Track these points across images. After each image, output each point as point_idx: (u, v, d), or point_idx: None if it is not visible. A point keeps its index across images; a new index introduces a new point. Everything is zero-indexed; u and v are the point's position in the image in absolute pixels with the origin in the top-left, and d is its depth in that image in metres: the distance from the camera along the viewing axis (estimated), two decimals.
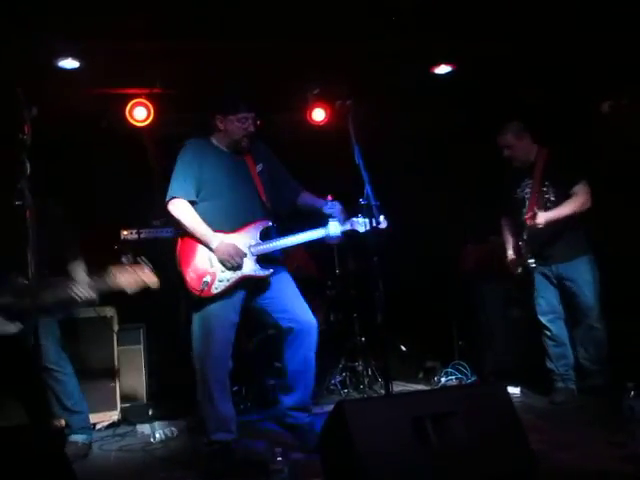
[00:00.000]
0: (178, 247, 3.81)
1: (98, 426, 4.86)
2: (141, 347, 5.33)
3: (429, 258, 6.29)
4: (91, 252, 5.60)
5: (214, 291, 3.66)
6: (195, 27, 4.74)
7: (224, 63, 5.32)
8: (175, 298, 5.76)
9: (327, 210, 3.87)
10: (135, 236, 5.92)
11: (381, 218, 3.59)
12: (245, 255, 3.72)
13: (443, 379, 5.59)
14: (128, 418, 5.01)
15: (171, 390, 5.56)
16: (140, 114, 5.75)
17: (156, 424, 4.85)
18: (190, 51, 5.06)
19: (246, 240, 3.77)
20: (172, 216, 3.78)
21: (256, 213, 3.85)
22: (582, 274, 4.56)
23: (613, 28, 4.53)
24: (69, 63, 4.80)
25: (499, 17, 4.71)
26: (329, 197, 3.93)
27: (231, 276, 3.68)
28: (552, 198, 4.33)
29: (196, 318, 3.76)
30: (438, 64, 5.47)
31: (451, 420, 2.72)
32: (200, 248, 3.73)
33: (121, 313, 5.17)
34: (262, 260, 3.79)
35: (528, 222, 4.47)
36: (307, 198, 4.08)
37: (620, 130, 3.54)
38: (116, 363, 5.02)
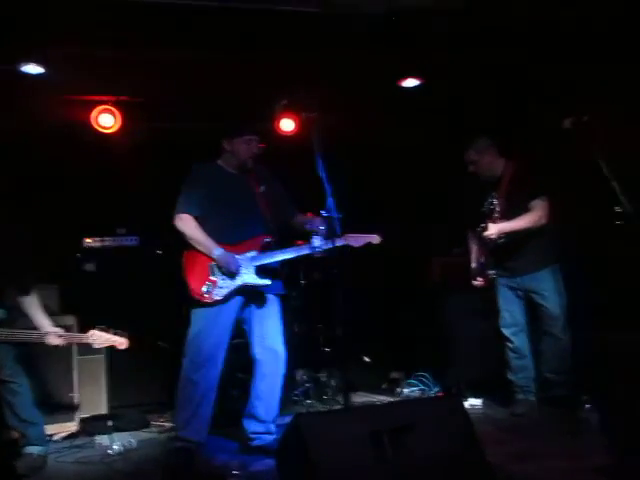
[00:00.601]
0: (183, 259, 4.10)
1: (55, 437, 4.77)
2: (102, 357, 5.25)
3: (396, 270, 6.31)
4: (53, 259, 5.59)
5: (215, 297, 3.98)
6: (161, 35, 4.70)
7: (193, 72, 5.30)
8: (140, 306, 5.78)
9: (309, 227, 4.16)
10: (98, 244, 5.85)
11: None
12: (241, 265, 4.03)
13: (406, 390, 5.61)
14: (87, 429, 4.91)
15: (132, 401, 5.53)
16: (106, 121, 5.69)
17: (115, 435, 4.80)
18: (157, 59, 5.00)
19: (247, 252, 4.09)
20: (178, 230, 4.10)
21: (257, 229, 4.18)
22: (547, 285, 4.62)
23: (577, 51, 4.62)
24: (33, 69, 4.72)
25: (467, 31, 4.74)
26: (309, 214, 4.23)
27: (231, 284, 4.01)
28: (515, 211, 4.37)
29: (194, 320, 4.06)
30: (405, 77, 5.49)
31: (408, 434, 2.72)
32: (203, 259, 4.04)
33: (82, 322, 5.10)
34: (261, 271, 4.09)
35: (483, 234, 4.52)
36: (300, 219, 4.38)
37: (580, 145, 3.57)
38: (75, 373, 4.93)
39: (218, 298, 3.99)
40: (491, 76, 5.26)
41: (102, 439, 4.77)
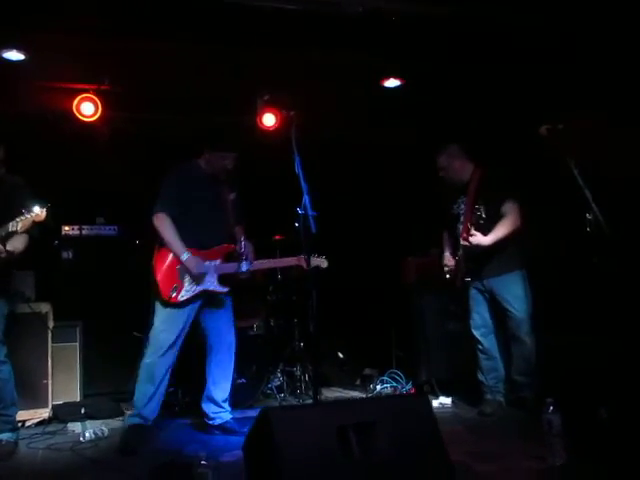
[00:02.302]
0: (155, 256, 4.36)
1: (28, 423, 4.80)
2: (77, 345, 5.29)
3: (371, 269, 6.38)
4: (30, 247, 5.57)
5: (180, 298, 4.29)
6: (146, 26, 4.72)
7: (175, 63, 5.31)
8: (115, 296, 5.79)
9: (239, 249, 4.44)
10: (77, 232, 5.85)
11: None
12: (207, 272, 4.33)
13: (378, 387, 5.67)
14: (59, 416, 4.94)
15: (106, 389, 5.55)
16: (87, 109, 5.68)
17: (87, 423, 4.83)
18: (140, 50, 5.02)
19: (213, 260, 4.39)
20: (154, 228, 4.32)
21: (225, 237, 4.48)
22: (513, 289, 4.70)
23: (552, 58, 4.70)
24: (14, 55, 4.72)
25: (448, 36, 4.81)
26: (242, 237, 4.50)
27: (195, 288, 4.33)
28: (483, 215, 4.44)
29: (159, 315, 4.35)
30: (387, 77, 5.54)
31: (374, 430, 2.78)
32: (173, 260, 4.31)
33: (57, 310, 5.11)
34: (222, 279, 4.42)
35: (462, 242, 4.63)
36: (236, 233, 4.60)
37: (555, 151, 3.65)
38: (49, 360, 4.94)
39: (182, 300, 4.30)
40: (469, 81, 5.32)
41: (75, 426, 4.81)
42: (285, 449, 2.62)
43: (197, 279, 4.31)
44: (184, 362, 5.22)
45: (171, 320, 4.32)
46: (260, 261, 4.53)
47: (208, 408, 4.56)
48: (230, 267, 4.43)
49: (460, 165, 4.84)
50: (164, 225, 4.29)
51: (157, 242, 4.39)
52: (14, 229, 3.83)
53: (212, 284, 4.39)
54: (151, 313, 4.44)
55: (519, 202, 4.63)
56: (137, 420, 4.32)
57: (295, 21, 4.71)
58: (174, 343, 4.33)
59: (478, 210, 4.43)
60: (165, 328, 4.32)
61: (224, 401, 4.59)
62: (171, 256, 4.31)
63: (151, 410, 4.33)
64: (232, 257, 4.47)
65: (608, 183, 3.96)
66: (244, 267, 4.38)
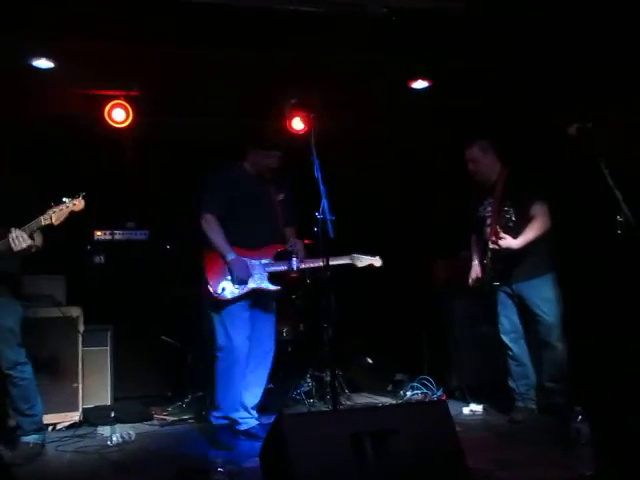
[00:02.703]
0: (205, 257, 4.39)
1: (59, 426, 4.86)
2: (107, 349, 5.33)
3: (402, 272, 6.30)
4: (62, 251, 5.67)
5: (229, 295, 4.29)
6: (172, 31, 4.75)
7: (203, 68, 5.34)
8: (146, 301, 5.85)
9: (289, 247, 4.47)
10: (108, 237, 5.94)
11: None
12: (253, 273, 4.34)
13: (409, 393, 5.58)
14: (90, 419, 4.99)
15: (136, 393, 5.60)
16: (119, 116, 5.75)
17: (116, 427, 4.86)
18: (168, 55, 5.05)
19: (262, 259, 4.42)
20: (201, 229, 4.35)
21: (273, 236, 4.50)
22: (543, 293, 4.57)
23: (583, 56, 4.58)
24: (43, 63, 4.80)
25: (476, 36, 4.73)
26: (292, 236, 4.55)
27: (245, 286, 4.32)
28: (513, 218, 4.32)
29: (215, 317, 4.37)
30: (415, 79, 5.48)
31: (390, 438, 2.73)
32: (222, 260, 4.31)
33: (89, 314, 5.17)
34: (272, 277, 4.43)
35: (491, 245, 4.51)
36: (287, 233, 4.63)
37: (585, 151, 3.55)
38: (80, 364, 4.99)
39: (231, 297, 4.29)
40: (493, 81, 5.23)
41: (104, 430, 4.85)
42: (298, 456, 2.59)
43: (243, 280, 4.29)
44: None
45: (231, 317, 4.32)
46: (311, 259, 4.46)
47: (235, 415, 4.49)
48: (280, 265, 4.42)
49: (491, 161, 4.73)
50: (211, 226, 4.32)
51: (205, 243, 4.39)
52: (48, 222, 3.76)
53: (262, 282, 4.38)
54: (204, 319, 4.55)
55: (548, 203, 4.51)
56: (223, 421, 4.41)
57: (321, 24, 4.69)
58: (241, 341, 4.32)
59: (507, 212, 4.30)
60: (224, 326, 4.32)
61: (253, 408, 4.57)
62: (220, 256, 4.33)
63: (236, 411, 4.41)
64: (282, 256, 4.47)
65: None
66: (294, 264, 4.36)
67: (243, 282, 4.30)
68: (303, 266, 4.43)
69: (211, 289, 4.29)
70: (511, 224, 4.32)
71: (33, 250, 3.89)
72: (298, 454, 2.61)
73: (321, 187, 3.43)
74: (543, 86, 5.03)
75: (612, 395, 3.80)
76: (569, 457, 3.38)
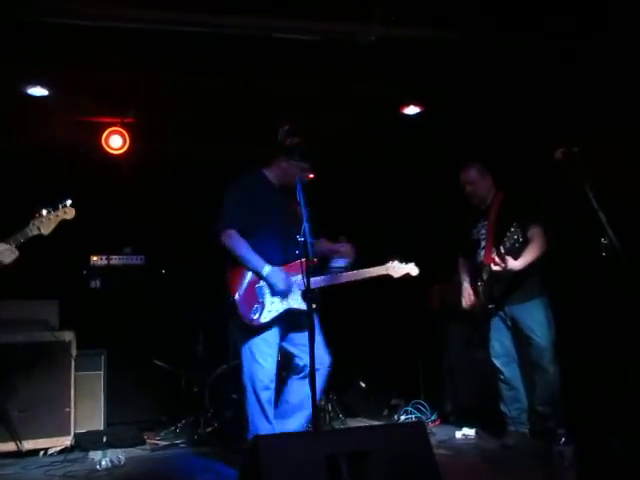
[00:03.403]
0: (229, 277, 3.95)
1: (50, 451, 4.86)
2: (101, 373, 5.35)
3: (397, 296, 6.29)
4: (59, 277, 5.73)
5: (263, 320, 3.88)
6: (166, 59, 4.84)
7: (199, 95, 5.42)
8: (141, 325, 5.87)
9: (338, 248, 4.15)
10: (104, 262, 5.98)
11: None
12: (292, 285, 3.94)
13: (402, 417, 5.57)
14: (82, 444, 4.98)
15: (130, 418, 5.60)
16: (116, 142, 5.83)
17: (108, 451, 4.86)
18: (162, 82, 5.14)
19: (293, 275, 3.95)
20: (224, 246, 3.94)
21: (300, 251, 3.85)
22: (535, 316, 4.55)
23: (570, 84, 4.63)
24: (38, 91, 4.88)
25: (465, 62, 4.79)
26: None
27: (279, 307, 3.91)
28: (520, 239, 4.25)
29: (245, 343, 3.95)
30: (407, 104, 5.54)
31: (366, 460, 2.71)
32: (250, 279, 3.92)
33: (83, 338, 5.19)
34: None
35: (494, 266, 4.43)
36: (322, 247, 4.23)
37: (571, 175, 3.57)
38: (72, 388, 5.00)
39: (265, 322, 3.89)
40: (483, 106, 5.28)
41: (96, 455, 4.82)
42: (271, 477, 2.57)
43: (281, 295, 3.91)
44: (210, 390, 5.30)
45: (260, 347, 3.90)
46: (346, 273, 4.10)
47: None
48: (316, 281, 3.89)
49: (488, 184, 4.74)
50: (235, 241, 3.90)
51: (227, 262, 3.97)
52: (34, 233, 3.61)
53: (297, 302, 3.93)
54: (232, 344, 4.30)
55: (544, 226, 4.52)
56: None
57: (313, 51, 4.77)
58: (270, 371, 3.93)
59: (515, 233, 4.27)
60: (256, 357, 3.90)
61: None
62: (249, 274, 3.90)
63: None
64: (314, 272, 3.89)
65: (624, 207, 3.85)
66: (341, 262, 4.05)
67: (284, 294, 3.90)
68: (337, 281, 4.05)
69: (243, 316, 3.86)
70: (518, 245, 4.29)
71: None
72: (273, 476, 2.60)
73: (303, 210, 3.43)
74: (532, 112, 5.06)
75: (595, 417, 3.77)
76: None
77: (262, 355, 3.90)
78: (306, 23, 4.39)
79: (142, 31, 4.44)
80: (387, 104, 5.49)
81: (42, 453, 4.83)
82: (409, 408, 5.60)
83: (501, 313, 4.68)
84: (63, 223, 3.94)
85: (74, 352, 5.06)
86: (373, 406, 6.15)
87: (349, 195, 6.21)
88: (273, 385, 3.97)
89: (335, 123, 5.64)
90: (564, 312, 4.58)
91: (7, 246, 3.58)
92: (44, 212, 3.65)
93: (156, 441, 5.25)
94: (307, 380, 3.91)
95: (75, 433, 5.00)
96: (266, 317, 3.88)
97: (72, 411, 4.98)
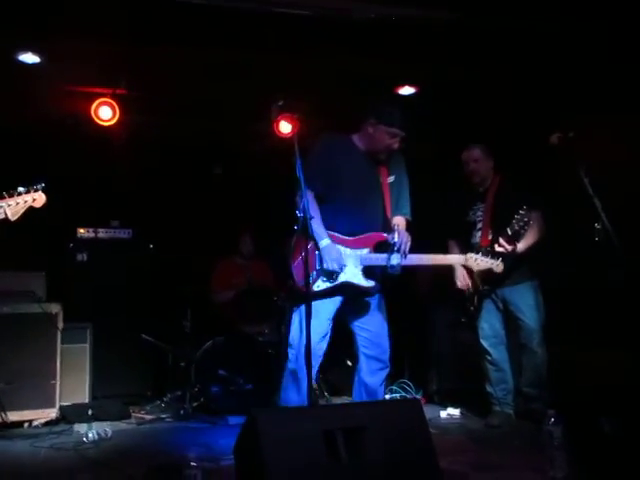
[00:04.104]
0: (294, 242, 3.68)
1: (35, 423, 4.82)
2: (87, 346, 5.32)
3: (385, 277, 6.31)
4: (44, 247, 5.66)
5: (315, 289, 3.70)
6: (161, 30, 4.76)
7: (191, 68, 5.35)
8: (128, 299, 5.83)
9: (390, 239, 3.78)
10: (92, 235, 5.90)
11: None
12: (346, 264, 3.74)
13: (388, 396, 5.60)
14: (67, 417, 4.96)
15: (115, 392, 5.57)
16: (106, 114, 5.73)
17: (93, 424, 4.85)
18: (155, 54, 5.06)
19: (359, 249, 3.80)
20: (296, 205, 3.66)
21: (375, 224, 3.87)
22: (526, 299, 4.62)
23: (567, 67, 4.64)
24: (29, 57, 4.79)
25: (458, 43, 4.77)
26: (397, 226, 3.85)
27: (335, 279, 3.73)
28: (530, 222, 4.30)
29: (296, 310, 3.82)
30: (402, 85, 5.52)
31: (363, 435, 2.73)
32: (313, 244, 3.69)
33: (69, 311, 5.15)
34: (367, 272, 3.81)
35: (498, 248, 4.37)
36: (395, 221, 3.98)
37: (566, 160, 3.59)
38: (58, 361, 4.96)
39: (318, 290, 3.72)
40: (477, 90, 5.27)
41: (81, 427, 4.82)
42: (270, 452, 2.58)
43: (332, 271, 3.69)
44: (196, 366, 5.30)
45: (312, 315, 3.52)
46: (418, 255, 3.86)
47: None
48: (377, 259, 3.76)
49: (490, 165, 4.76)
50: (305, 202, 3.56)
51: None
52: (1, 217, 3.31)
53: (355, 276, 3.76)
54: (286, 314, 4.07)
55: (542, 211, 4.55)
56: None
57: (308, 27, 4.72)
58: (317, 345, 3.71)
59: (525, 216, 4.26)
60: (300, 326, 3.75)
61: None
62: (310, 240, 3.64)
63: None
64: (383, 248, 3.80)
65: (619, 192, 3.89)
66: (394, 260, 3.69)
67: (333, 274, 3.71)
68: (406, 264, 3.75)
69: (296, 278, 3.70)
70: (526, 228, 4.30)
71: None
72: (271, 450, 2.59)
73: (302, 187, 3.40)
74: (528, 95, 5.07)
75: (585, 397, 3.83)
76: (542, 460, 3.39)
77: (312, 324, 3.39)
78: None
79: (139, 1, 4.38)
80: (382, 84, 5.44)
81: (27, 425, 4.79)
82: (394, 387, 5.65)
83: (492, 295, 4.73)
84: (51, 195, 3.70)
85: (60, 324, 5.01)
86: None
87: None
88: (320, 356, 3.81)
89: (327, 101, 5.59)
90: (556, 296, 4.63)
91: None
92: (14, 195, 3.36)
93: (142, 415, 5.24)
94: (370, 366, 3.92)
95: (60, 405, 4.96)
96: (320, 286, 3.72)
97: (58, 383, 4.94)
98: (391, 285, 6.17)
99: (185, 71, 5.35)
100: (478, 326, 4.81)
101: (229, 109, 5.79)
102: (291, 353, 3.82)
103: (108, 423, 4.88)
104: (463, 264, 4.24)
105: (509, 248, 4.34)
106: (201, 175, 6.71)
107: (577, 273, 4.71)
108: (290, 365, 3.81)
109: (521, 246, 4.46)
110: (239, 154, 6.66)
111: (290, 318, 3.91)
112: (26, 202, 3.37)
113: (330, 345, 3.94)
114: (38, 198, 3.42)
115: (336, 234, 3.78)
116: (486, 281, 4.68)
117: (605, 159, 4.14)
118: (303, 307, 3.62)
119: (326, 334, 3.82)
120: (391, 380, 5.84)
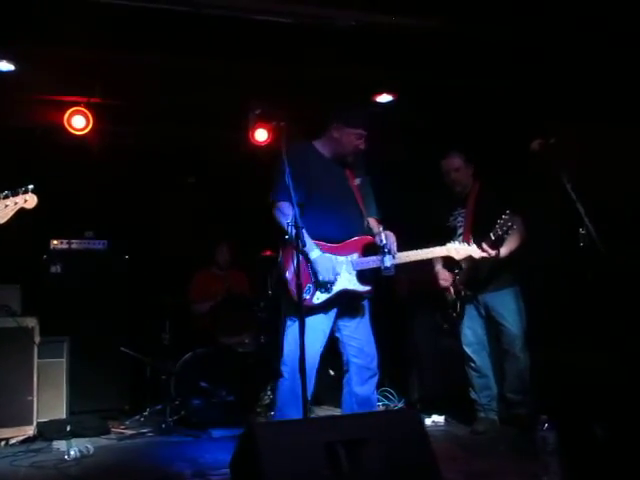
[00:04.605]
0: (282, 253, 3.72)
1: (12, 441, 4.69)
2: (64, 360, 5.20)
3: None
4: (17, 260, 5.51)
5: (315, 301, 3.67)
6: (136, 38, 4.69)
7: (167, 76, 5.29)
8: (103, 312, 5.71)
9: (379, 242, 3.73)
10: (65, 246, 5.78)
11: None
12: (339, 273, 3.71)
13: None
14: (45, 434, 4.82)
15: (93, 407, 5.45)
16: (79, 123, 5.64)
17: (73, 441, 4.72)
18: (130, 62, 4.99)
19: (349, 254, 3.79)
20: (275, 220, 3.76)
21: (358, 228, 3.86)
22: (507, 304, 4.65)
23: (547, 74, 4.69)
24: (4, 65, 4.68)
25: (441, 50, 4.80)
26: (381, 228, 3.80)
27: (332, 288, 3.69)
28: (514, 227, 4.31)
29: (291, 325, 3.72)
30: (380, 93, 5.53)
31: (364, 447, 2.70)
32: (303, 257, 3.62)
33: (44, 325, 5.02)
34: (361, 276, 3.80)
35: (481, 253, 4.30)
36: (370, 224, 3.96)
37: (547, 166, 3.62)
38: (35, 376, 4.84)
39: (317, 303, 3.68)
40: (460, 96, 5.30)
41: (60, 444, 4.69)
42: (271, 465, 2.54)
43: (328, 282, 3.66)
44: (176, 378, 5.21)
45: (308, 330, 3.42)
46: (405, 253, 3.86)
47: None
48: (372, 261, 3.75)
49: (470, 172, 4.77)
50: (286, 215, 3.63)
51: (282, 237, 3.69)
52: None
53: (351, 282, 3.74)
54: (281, 325, 3.86)
55: (524, 216, 4.58)
56: None
57: (288, 34, 4.70)
58: (313, 360, 3.67)
59: (509, 221, 4.27)
60: (296, 341, 3.44)
61: None
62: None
63: None
64: (371, 251, 3.81)
65: (602, 197, 3.93)
66: (388, 261, 3.65)
67: (328, 285, 3.67)
68: (397, 262, 3.74)
69: (293, 293, 3.56)
70: (510, 233, 4.31)
71: None
72: (271, 463, 2.55)
73: (292, 194, 3.36)
74: (509, 102, 5.11)
75: (577, 404, 3.86)
76: (535, 467, 3.39)
77: (309, 337, 3.39)
78: (288, 6, 4.30)
79: (112, 9, 4.30)
80: (359, 91, 5.44)
81: (3, 443, 4.66)
82: (377, 396, 5.61)
83: (474, 301, 4.74)
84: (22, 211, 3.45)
85: (37, 339, 4.89)
86: (337, 394, 6.12)
87: None
88: (314, 372, 3.73)
89: (304, 109, 5.57)
90: (542, 301, 4.67)
91: None
92: (1, 198, 3.24)
93: (121, 430, 5.13)
94: (359, 373, 3.87)
95: (37, 422, 4.83)
96: (319, 298, 3.68)
97: (35, 399, 4.82)
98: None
99: (161, 78, 5.30)
100: (461, 332, 4.82)
101: (204, 117, 5.74)
102: (285, 371, 3.72)
103: (87, 439, 4.75)
104: (453, 255, 4.21)
105: (492, 253, 4.33)
106: (175, 184, 6.63)
107: (560, 277, 4.74)
108: (286, 383, 3.71)
109: (504, 251, 4.46)
110: (213, 162, 6.59)
111: (283, 331, 3.80)
112: (16, 204, 3.25)
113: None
114: (30, 199, 3.29)
115: (322, 242, 3.74)
116: (468, 286, 4.70)
117: (586, 165, 4.18)
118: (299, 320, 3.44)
119: (322, 349, 3.78)
120: None
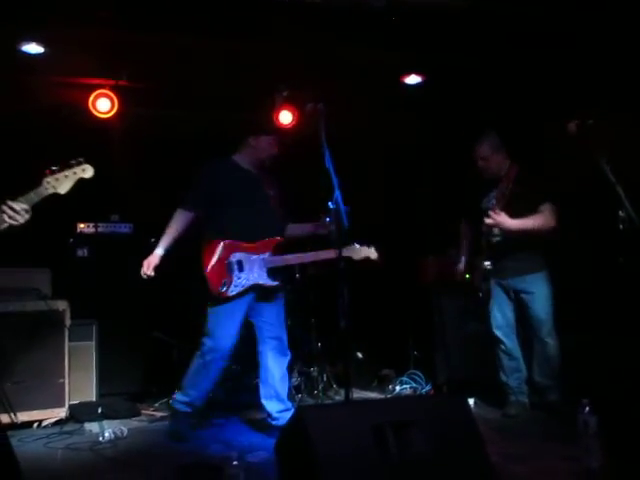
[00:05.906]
0: (204, 251, 4.32)
1: (44, 423, 4.72)
2: (93, 344, 5.22)
3: (389, 267, 6.28)
4: (46, 243, 5.51)
5: (230, 293, 4.24)
6: (163, 20, 4.65)
7: (194, 59, 5.25)
8: (130, 295, 5.71)
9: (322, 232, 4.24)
10: (92, 230, 5.77)
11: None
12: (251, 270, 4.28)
13: (397, 387, 5.61)
14: (76, 416, 4.86)
15: (122, 389, 5.47)
16: (104, 106, 5.61)
17: (105, 423, 4.75)
18: (158, 44, 4.95)
19: (261, 254, 4.34)
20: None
21: (271, 229, 4.41)
22: (536, 289, 4.62)
23: (581, 49, 4.62)
24: (33, 48, 4.66)
25: (471, 30, 4.74)
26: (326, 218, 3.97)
27: (245, 282, 4.27)
28: (516, 212, 4.32)
29: (211, 312, 4.33)
30: (408, 74, 5.47)
31: (411, 429, 2.70)
32: (220, 254, 4.27)
33: (72, 308, 5.02)
34: (272, 272, 4.35)
35: (486, 220, 4.41)
36: (294, 229, 4.58)
37: (585, 148, 3.56)
38: (66, 359, 4.85)
39: (232, 294, 4.24)
40: (495, 77, 5.24)
41: (92, 426, 4.73)
42: (321, 449, 2.54)
43: (247, 272, 4.27)
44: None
45: (225, 316, 4.28)
46: (298, 255, 4.45)
47: (271, 407, 4.41)
48: (278, 260, 4.37)
49: (501, 158, 4.70)
50: (174, 220, 4.38)
51: (206, 237, 4.35)
52: (49, 192, 3.24)
53: (261, 278, 4.31)
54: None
55: (557, 204, 4.54)
56: (186, 408, 4.36)
57: (316, 15, 4.65)
58: (229, 343, 4.29)
59: (511, 206, 4.25)
60: (220, 325, 4.28)
61: (286, 399, 4.49)
62: (219, 250, 4.26)
63: (202, 401, 4.39)
64: (280, 251, 4.42)
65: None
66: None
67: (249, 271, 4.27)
68: (280, 264, 4.38)
69: (213, 287, 4.24)
70: (513, 217, 4.31)
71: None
72: (320, 446, 2.56)
73: (333, 178, 3.36)
74: (543, 83, 5.05)
75: (615, 387, 3.84)
76: (574, 450, 3.39)
77: (219, 326, 4.27)
78: None
79: None
80: (388, 73, 5.39)
81: (36, 425, 4.68)
82: (404, 378, 5.64)
83: (504, 284, 4.72)
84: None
85: (68, 322, 4.89)
86: (363, 377, 6.15)
87: (346, 166, 6.15)
88: (224, 355, 4.30)
89: (335, 91, 5.52)
90: (582, 286, 4.63)
91: (24, 206, 3.16)
92: (58, 169, 3.30)
93: (151, 412, 5.15)
94: (272, 353, 4.41)
95: (69, 404, 4.86)
96: (233, 290, 4.23)
97: (66, 382, 4.83)
98: (395, 275, 6.21)
99: (187, 61, 5.24)
100: (490, 315, 4.79)
101: (231, 99, 5.69)
102: (203, 347, 4.30)
103: (119, 421, 4.79)
104: (351, 256, 4.40)
105: (498, 218, 4.34)
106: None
107: (599, 261, 4.70)
108: (207, 356, 4.28)
109: (515, 223, 4.41)
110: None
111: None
112: (75, 174, 3.33)
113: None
114: (87, 169, 3.38)
115: (243, 243, 4.30)
116: (497, 271, 4.67)
117: (624, 147, 4.13)
118: (218, 308, 4.26)
119: (235, 335, 4.32)
120: (398, 371, 5.86)
